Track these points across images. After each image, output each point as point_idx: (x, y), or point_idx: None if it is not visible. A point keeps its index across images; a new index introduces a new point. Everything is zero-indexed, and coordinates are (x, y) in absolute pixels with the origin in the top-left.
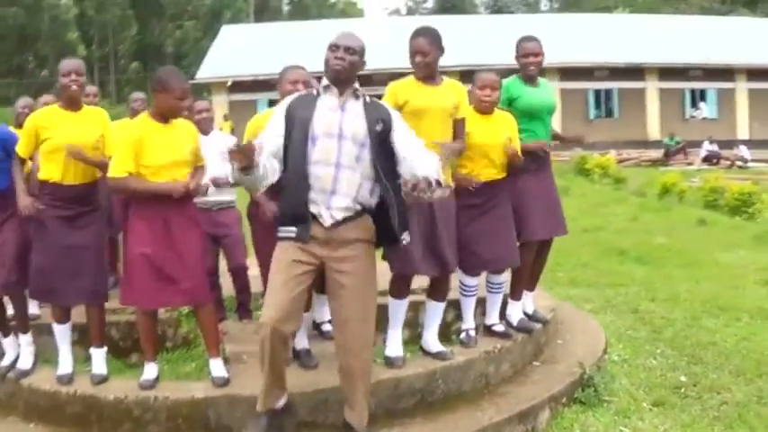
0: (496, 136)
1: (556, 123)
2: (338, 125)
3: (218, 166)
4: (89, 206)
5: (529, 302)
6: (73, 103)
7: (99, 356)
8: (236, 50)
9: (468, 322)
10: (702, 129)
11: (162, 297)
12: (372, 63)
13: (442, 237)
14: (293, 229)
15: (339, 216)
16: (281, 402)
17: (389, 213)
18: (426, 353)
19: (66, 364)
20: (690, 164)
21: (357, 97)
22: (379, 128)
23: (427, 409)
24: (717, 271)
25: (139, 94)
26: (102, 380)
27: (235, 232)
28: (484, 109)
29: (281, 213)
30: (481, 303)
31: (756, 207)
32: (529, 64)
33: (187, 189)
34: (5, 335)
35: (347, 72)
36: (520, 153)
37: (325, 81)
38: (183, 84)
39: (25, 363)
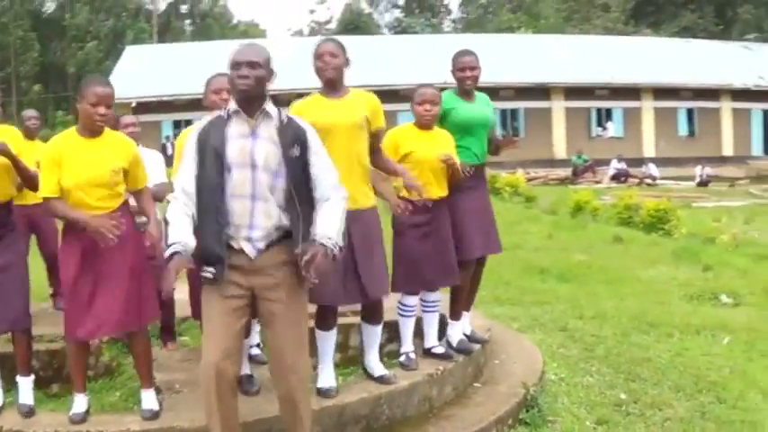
0: (436, 151)
1: None
2: (250, 154)
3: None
4: (3, 228)
5: (466, 323)
6: None
7: (26, 385)
8: (140, 71)
9: (408, 344)
10: (609, 147)
11: (90, 328)
12: (276, 84)
13: (361, 263)
14: (211, 269)
15: (262, 245)
16: None
17: (294, 239)
18: (369, 375)
19: None
20: (598, 182)
21: (270, 119)
22: (295, 153)
23: None
24: (640, 287)
25: (32, 112)
26: (29, 411)
27: (161, 255)
28: (425, 124)
29: (199, 252)
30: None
31: (672, 224)
32: (465, 78)
33: (103, 228)
34: None
35: (255, 89)
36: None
37: (233, 104)
38: (99, 89)
39: None
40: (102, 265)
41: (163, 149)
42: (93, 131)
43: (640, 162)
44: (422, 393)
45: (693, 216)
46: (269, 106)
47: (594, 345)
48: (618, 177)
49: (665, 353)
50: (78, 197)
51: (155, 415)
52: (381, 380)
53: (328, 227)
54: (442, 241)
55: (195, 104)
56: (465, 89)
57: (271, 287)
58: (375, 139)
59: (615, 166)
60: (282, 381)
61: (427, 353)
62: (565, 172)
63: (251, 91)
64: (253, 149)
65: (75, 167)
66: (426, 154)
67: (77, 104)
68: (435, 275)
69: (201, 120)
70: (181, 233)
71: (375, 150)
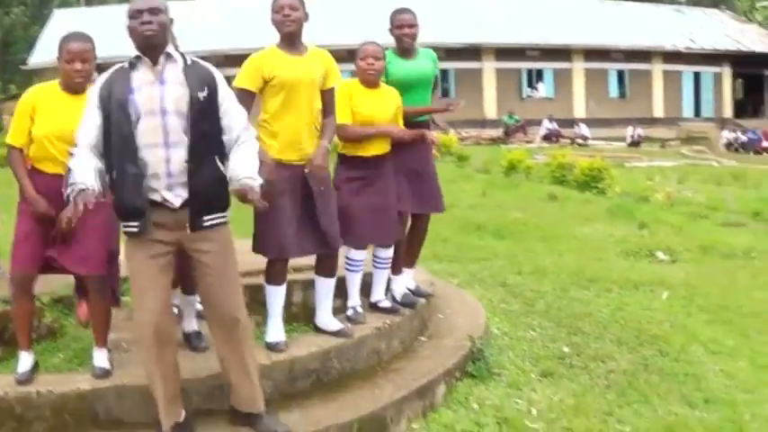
0: (384, 109)
1: None
2: (159, 99)
3: None
4: None
5: (410, 278)
6: None
7: None
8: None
9: (354, 298)
10: (540, 108)
11: (37, 262)
12: (206, 45)
13: (320, 212)
14: (134, 223)
15: (185, 194)
16: (182, 417)
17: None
18: (321, 331)
19: None
20: (529, 142)
21: (174, 62)
22: (203, 94)
23: (324, 389)
24: (577, 244)
25: None
26: None
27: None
28: (369, 80)
29: (117, 207)
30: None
31: (606, 182)
32: (404, 35)
33: (38, 210)
34: None
35: (159, 36)
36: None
37: (134, 52)
38: (73, 44)
39: None
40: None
41: None
42: (73, 89)
43: (571, 123)
44: (370, 347)
45: (626, 175)
46: (171, 49)
47: (535, 300)
48: (549, 137)
49: (605, 307)
50: (45, 148)
51: (106, 373)
52: (338, 334)
53: (250, 168)
54: (381, 198)
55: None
56: (404, 47)
57: (199, 238)
58: (328, 96)
59: (546, 126)
60: (225, 334)
61: (373, 307)
62: (496, 132)
63: (156, 37)
64: (162, 95)
65: (48, 118)
66: (372, 112)
67: (58, 62)
68: (371, 232)
69: (102, 75)
70: (82, 175)
71: (327, 108)
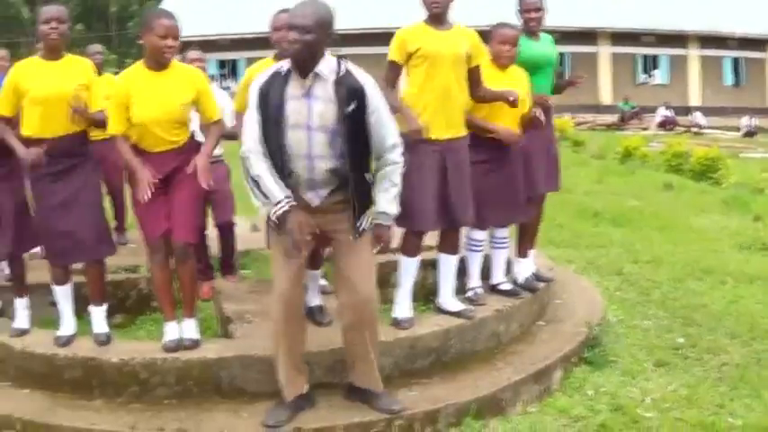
0: (515, 89)
1: None
2: (306, 115)
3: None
4: (77, 158)
5: (531, 261)
6: (52, 52)
7: (99, 314)
8: (184, 10)
9: (475, 280)
10: (654, 94)
11: (163, 227)
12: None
13: (452, 189)
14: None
15: (324, 193)
16: (305, 388)
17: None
18: (443, 311)
19: (68, 325)
20: (645, 128)
21: (324, 78)
22: (351, 108)
23: (443, 368)
24: (693, 235)
25: (96, 47)
26: (107, 339)
27: (223, 188)
28: (504, 64)
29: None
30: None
31: (721, 173)
32: (530, 19)
33: (143, 184)
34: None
35: (303, 54)
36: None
37: (287, 63)
38: (167, 20)
39: (22, 323)
40: (171, 188)
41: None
42: (160, 64)
43: (685, 110)
44: (490, 329)
45: (741, 166)
46: (322, 66)
47: (650, 289)
48: (664, 125)
49: (719, 300)
50: (149, 131)
51: (195, 343)
52: (460, 314)
53: (385, 201)
54: (507, 179)
55: (240, 44)
56: (530, 30)
57: (335, 221)
58: (475, 74)
59: (662, 113)
60: (354, 310)
61: (494, 289)
62: (611, 118)
63: (299, 57)
64: (309, 110)
65: (144, 103)
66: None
67: (143, 37)
68: (497, 213)
69: (264, 72)
70: (280, 189)
71: (475, 85)
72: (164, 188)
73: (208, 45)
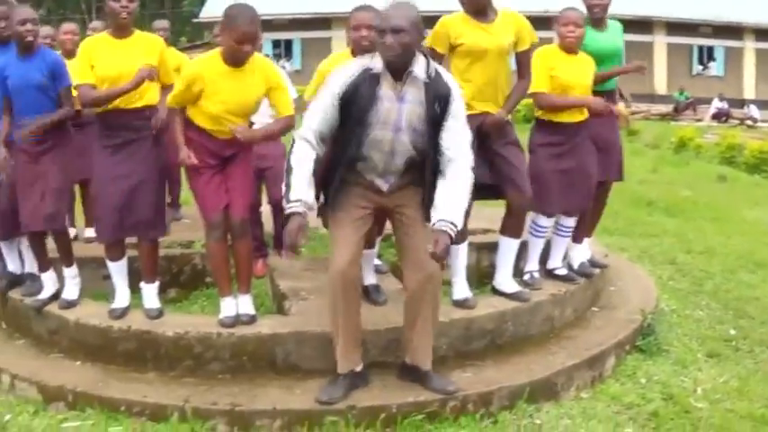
0: (582, 76)
1: None
2: (396, 117)
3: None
4: (139, 133)
5: (587, 248)
6: (122, 30)
7: (151, 291)
8: None
9: (533, 263)
10: (709, 86)
11: (223, 204)
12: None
13: (510, 159)
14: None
15: (393, 180)
16: (360, 366)
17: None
18: (499, 293)
19: (122, 298)
20: (699, 120)
21: (416, 80)
22: (436, 111)
23: (497, 351)
24: (746, 227)
25: (163, 23)
26: (159, 313)
27: (277, 165)
28: (569, 46)
29: (326, 171)
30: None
31: None
32: (594, 6)
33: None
34: (44, 269)
35: (400, 57)
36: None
37: (379, 64)
38: (246, 27)
39: (71, 294)
40: (229, 166)
41: None
42: (240, 63)
43: (739, 103)
44: (545, 313)
45: None
46: (416, 67)
47: (703, 280)
48: (718, 117)
49: None
50: (219, 121)
51: (252, 319)
52: (515, 296)
53: (452, 209)
54: (576, 165)
55: (295, 24)
56: (595, 18)
57: (399, 198)
58: (523, 58)
59: (716, 105)
60: (419, 284)
61: (549, 274)
62: (666, 108)
63: (397, 59)
64: (399, 113)
65: (219, 96)
66: (570, 78)
67: (221, 35)
68: (563, 199)
69: (349, 66)
70: (301, 189)
71: (524, 68)
72: (221, 166)
73: (263, 24)
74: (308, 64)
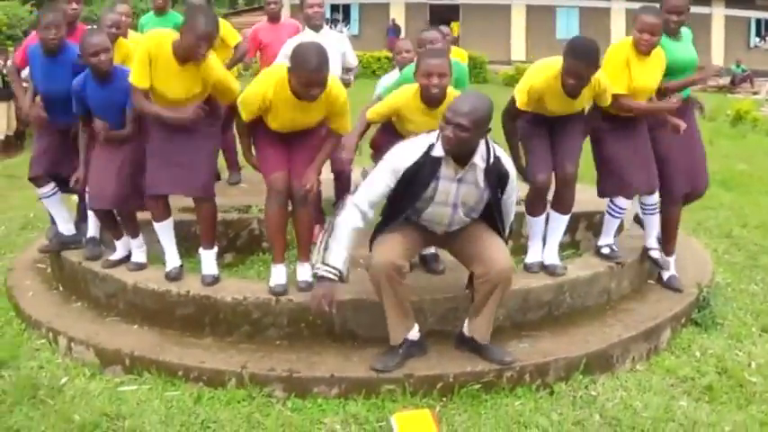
0: (653, 79)
1: None
2: (454, 197)
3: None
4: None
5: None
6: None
7: (209, 257)
8: None
9: (609, 238)
10: (766, 59)
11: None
12: None
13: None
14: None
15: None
16: (415, 334)
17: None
18: (541, 264)
19: (173, 259)
20: (756, 93)
21: (476, 167)
22: (497, 191)
23: (553, 322)
24: None
25: None
26: (214, 280)
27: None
28: (643, 51)
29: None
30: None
31: None
32: (671, 21)
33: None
34: (118, 237)
35: (458, 148)
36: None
37: (439, 149)
38: (312, 73)
39: (140, 257)
40: (292, 141)
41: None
42: (304, 98)
43: None
44: (602, 285)
45: None
46: (477, 158)
47: (758, 254)
48: None
49: None
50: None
51: (309, 286)
52: (548, 269)
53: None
54: (641, 144)
55: None
56: (670, 29)
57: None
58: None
59: None
60: (493, 277)
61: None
62: (723, 80)
63: (455, 151)
64: (457, 193)
65: (282, 117)
66: (641, 81)
67: (291, 74)
68: (637, 177)
69: (412, 147)
70: (339, 260)
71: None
72: (286, 137)
73: None
74: (365, 29)
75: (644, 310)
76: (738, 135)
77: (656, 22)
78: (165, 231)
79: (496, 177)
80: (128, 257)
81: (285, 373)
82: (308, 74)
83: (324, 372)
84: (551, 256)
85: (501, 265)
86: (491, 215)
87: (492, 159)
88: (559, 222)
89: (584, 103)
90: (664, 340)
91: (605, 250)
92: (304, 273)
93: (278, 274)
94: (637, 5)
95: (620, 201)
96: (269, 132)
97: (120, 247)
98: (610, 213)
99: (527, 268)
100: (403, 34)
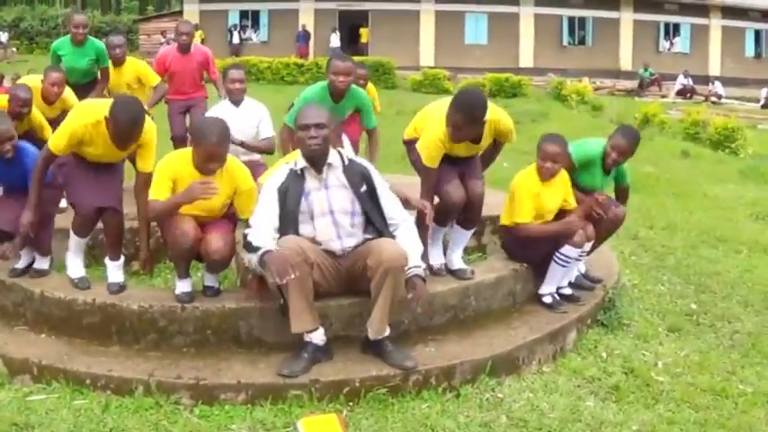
0: (558, 199)
1: (527, 49)
2: (327, 203)
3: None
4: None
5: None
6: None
7: (115, 267)
8: None
9: (551, 286)
10: (675, 63)
11: None
12: None
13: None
14: None
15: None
16: (321, 339)
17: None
18: (448, 270)
19: (78, 267)
20: (664, 96)
21: (335, 168)
22: (363, 189)
23: (459, 326)
24: (708, 203)
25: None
26: (120, 288)
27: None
28: (545, 178)
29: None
30: None
31: (739, 143)
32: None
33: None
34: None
35: (323, 148)
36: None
37: (301, 161)
38: (211, 146)
39: (42, 264)
40: None
41: (230, 35)
42: (205, 172)
43: (705, 79)
44: (507, 288)
45: (759, 137)
46: (332, 158)
47: (665, 255)
48: (683, 93)
49: (733, 268)
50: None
51: (216, 293)
52: (456, 273)
53: (414, 257)
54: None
55: None
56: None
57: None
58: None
59: (681, 81)
60: (382, 264)
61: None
62: (630, 84)
63: (320, 150)
64: (329, 200)
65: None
66: (546, 205)
67: (195, 148)
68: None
69: (279, 170)
70: (263, 240)
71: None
72: None
73: None
74: (274, 35)
75: (549, 312)
76: (646, 138)
77: (558, 151)
78: (77, 247)
79: (360, 176)
80: (31, 265)
81: (192, 381)
82: (208, 147)
83: (230, 378)
84: (457, 261)
85: (390, 252)
86: (379, 231)
87: (347, 162)
88: (465, 235)
89: (486, 143)
90: (570, 342)
91: (547, 299)
92: (210, 279)
93: (183, 283)
94: (545, 11)
95: (567, 249)
96: None
97: (24, 255)
98: (555, 261)
99: (433, 272)
100: (312, 40)
